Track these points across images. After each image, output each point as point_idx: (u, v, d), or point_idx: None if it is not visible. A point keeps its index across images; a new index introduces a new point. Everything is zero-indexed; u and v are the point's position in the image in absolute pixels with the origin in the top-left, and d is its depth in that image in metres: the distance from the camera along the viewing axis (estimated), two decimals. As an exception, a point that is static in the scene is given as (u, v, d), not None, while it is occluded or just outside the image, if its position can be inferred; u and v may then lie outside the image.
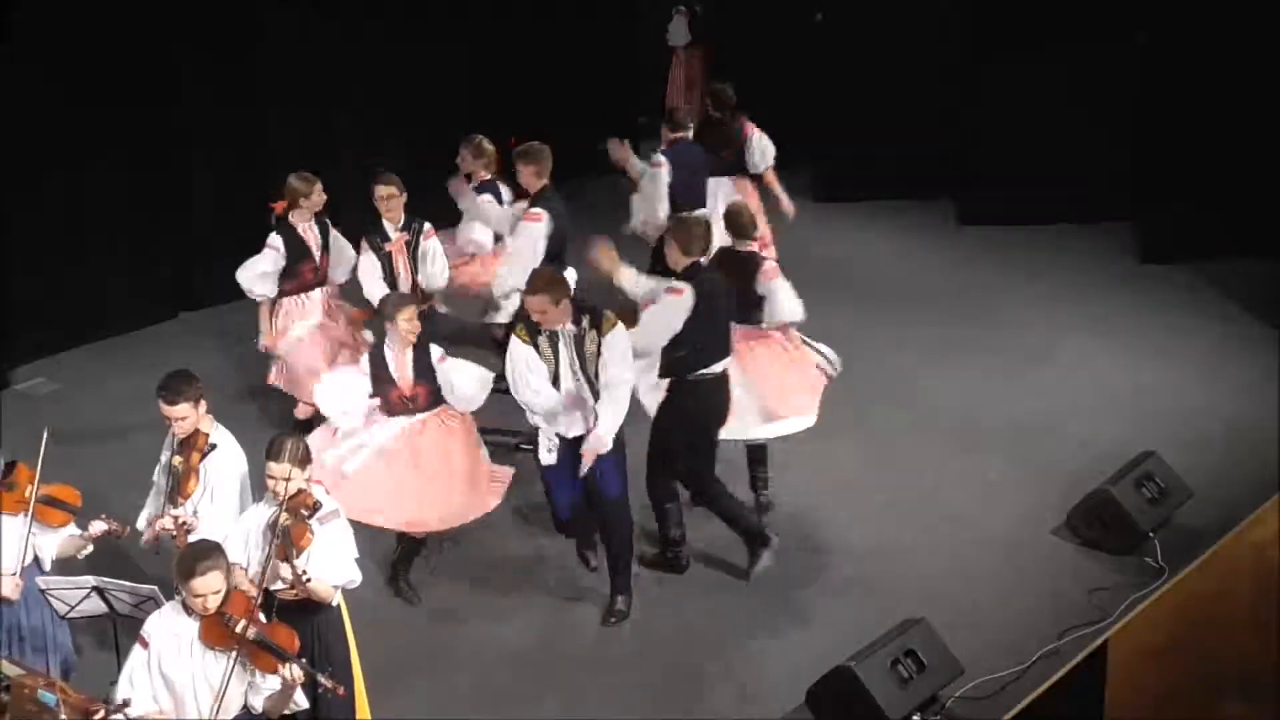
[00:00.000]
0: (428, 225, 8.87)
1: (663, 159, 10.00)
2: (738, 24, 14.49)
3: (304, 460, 6.10)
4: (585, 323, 7.27)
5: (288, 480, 6.02)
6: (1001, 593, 7.94)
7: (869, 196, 13.58)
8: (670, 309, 7.57)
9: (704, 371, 7.70)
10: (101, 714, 5.36)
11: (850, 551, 8.36)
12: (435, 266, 8.86)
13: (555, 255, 8.85)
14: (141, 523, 6.67)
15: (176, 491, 6.38)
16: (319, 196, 8.84)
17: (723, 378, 7.81)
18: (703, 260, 7.75)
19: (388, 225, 8.75)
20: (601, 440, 7.30)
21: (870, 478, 9.06)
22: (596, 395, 7.31)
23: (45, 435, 6.16)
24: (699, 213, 9.43)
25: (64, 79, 10.27)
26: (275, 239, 8.75)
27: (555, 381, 7.30)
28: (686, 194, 9.98)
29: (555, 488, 7.61)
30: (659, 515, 8.03)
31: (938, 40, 13.23)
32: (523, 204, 9.10)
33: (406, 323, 7.54)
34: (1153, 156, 12.30)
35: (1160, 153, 12.22)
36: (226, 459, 6.48)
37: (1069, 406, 9.92)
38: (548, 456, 7.47)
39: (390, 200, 8.69)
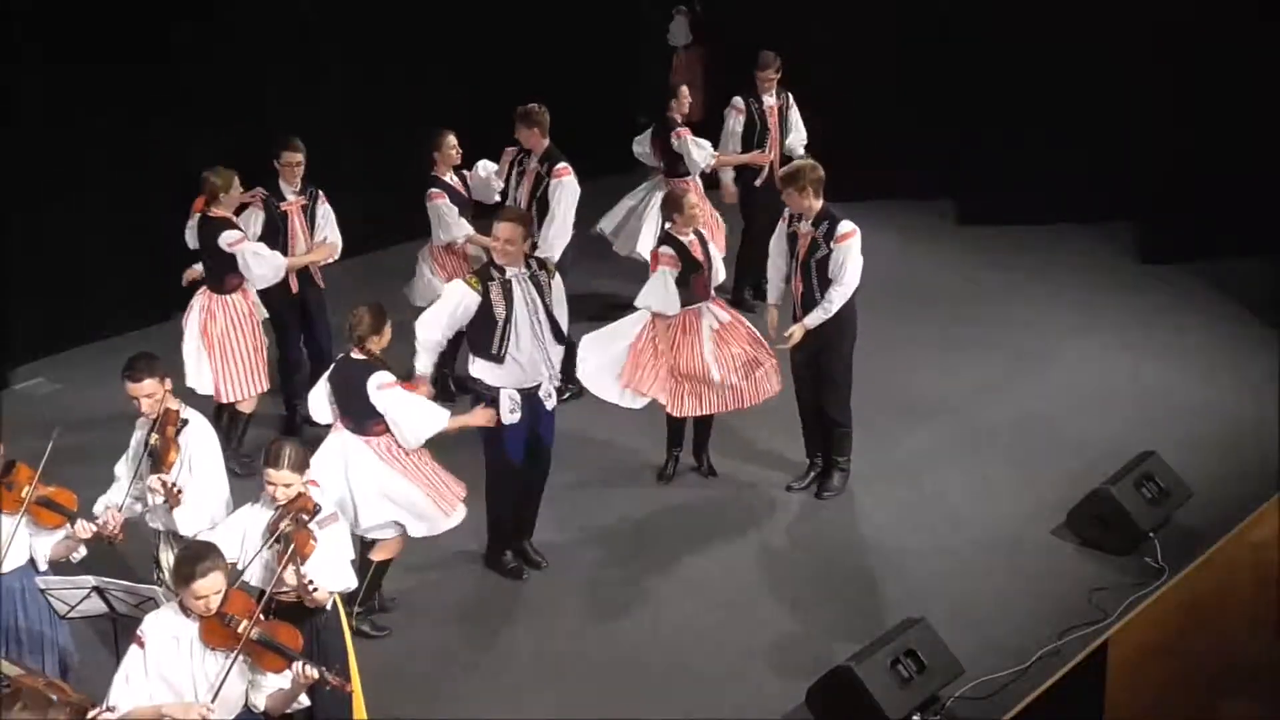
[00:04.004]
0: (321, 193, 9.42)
1: None
2: (738, 23, 14.47)
3: (302, 465, 6.09)
4: (534, 264, 7.80)
5: (288, 487, 6.02)
6: (1001, 593, 7.95)
7: (869, 196, 13.55)
8: (856, 249, 8.56)
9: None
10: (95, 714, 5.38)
11: (850, 551, 8.37)
12: (330, 229, 9.40)
13: None
14: (99, 508, 6.70)
15: (159, 463, 6.48)
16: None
17: None
18: None
19: (285, 188, 9.26)
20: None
21: (870, 478, 9.06)
22: (556, 334, 7.76)
23: (52, 440, 6.23)
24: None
25: (66, 79, 10.28)
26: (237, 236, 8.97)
27: (505, 331, 7.59)
28: None
29: (514, 438, 7.79)
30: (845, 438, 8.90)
31: (937, 39, 13.21)
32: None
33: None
34: (1153, 156, 12.29)
35: (1160, 153, 12.21)
36: (201, 433, 6.62)
37: (1069, 406, 9.92)
38: (510, 417, 7.71)
39: (296, 167, 9.23)
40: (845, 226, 8.49)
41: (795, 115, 11.34)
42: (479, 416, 7.63)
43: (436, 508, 7.36)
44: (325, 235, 9.34)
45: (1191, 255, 12.11)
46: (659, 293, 8.57)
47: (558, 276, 7.92)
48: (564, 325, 7.90)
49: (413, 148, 10.10)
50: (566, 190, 9.57)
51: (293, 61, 11.66)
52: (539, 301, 7.67)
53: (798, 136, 11.31)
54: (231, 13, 11.12)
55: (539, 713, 7.06)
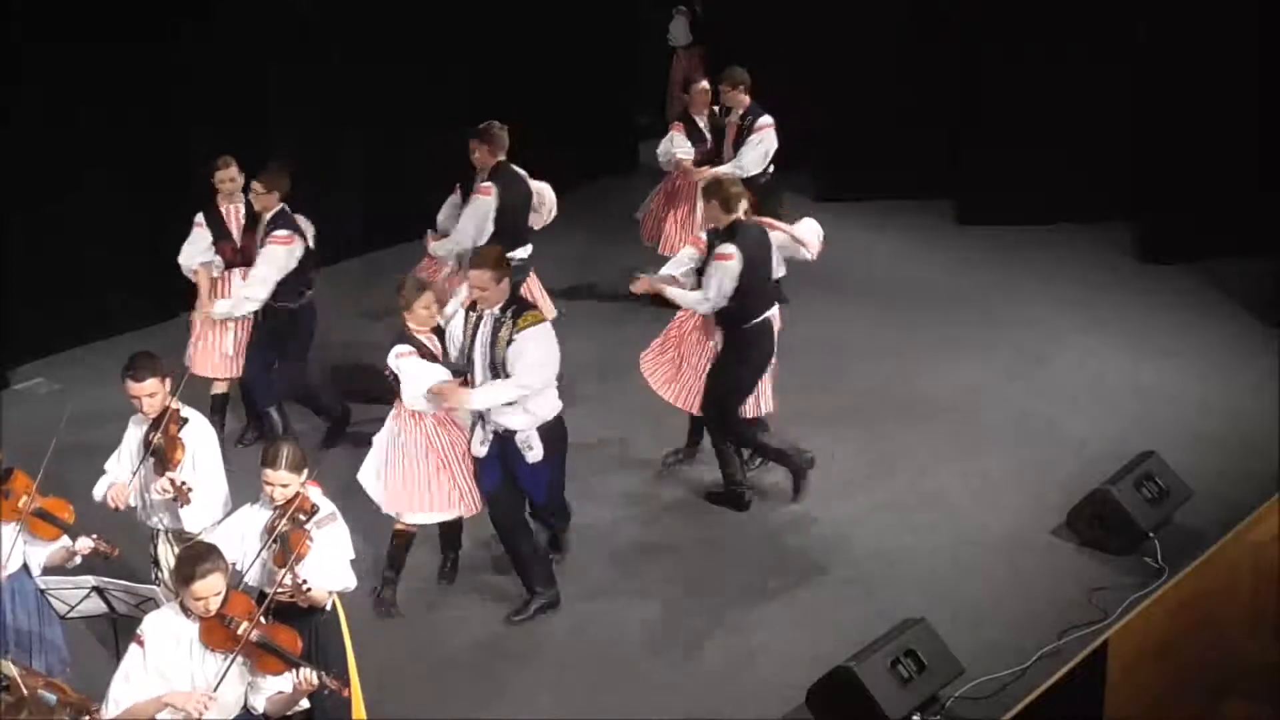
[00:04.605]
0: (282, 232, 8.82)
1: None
2: (738, 23, 14.49)
3: (299, 465, 6.10)
4: (508, 312, 7.31)
5: (285, 487, 6.03)
6: (1001, 593, 7.95)
7: (869, 196, 13.58)
8: (727, 272, 8.09)
9: (756, 320, 8.29)
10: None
11: (850, 551, 8.37)
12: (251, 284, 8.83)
13: (509, 231, 9.38)
14: (99, 492, 6.76)
15: (165, 462, 6.49)
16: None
17: (770, 324, 8.43)
18: (742, 217, 8.26)
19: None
20: (461, 397, 7.28)
21: (870, 478, 9.06)
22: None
23: (49, 451, 6.24)
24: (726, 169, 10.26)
25: (66, 78, 10.28)
26: (199, 218, 9.05)
27: (467, 357, 7.43)
28: None
29: (485, 472, 7.60)
30: (728, 455, 8.62)
31: (938, 39, 13.22)
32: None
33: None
34: (1153, 156, 12.29)
35: (1160, 153, 12.21)
36: (201, 430, 6.67)
37: (1069, 406, 9.92)
38: (478, 449, 7.56)
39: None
40: (725, 249, 8.19)
41: (750, 144, 10.72)
42: (447, 390, 7.31)
43: (409, 497, 7.52)
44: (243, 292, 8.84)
45: (1191, 255, 12.12)
46: (670, 262, 8.71)
47: (528, 335, 7.21)
48: (517, 378, 7.22)
49: (412, 147, 10.11)
50: (474, 206, 9.49)
51: (293, 61, 11.65)
52: (489, 348, 7.30)
53: (735, 163, 10.66)
54: (231, 12, 11.11)
55: (538, 712, 7.06)
